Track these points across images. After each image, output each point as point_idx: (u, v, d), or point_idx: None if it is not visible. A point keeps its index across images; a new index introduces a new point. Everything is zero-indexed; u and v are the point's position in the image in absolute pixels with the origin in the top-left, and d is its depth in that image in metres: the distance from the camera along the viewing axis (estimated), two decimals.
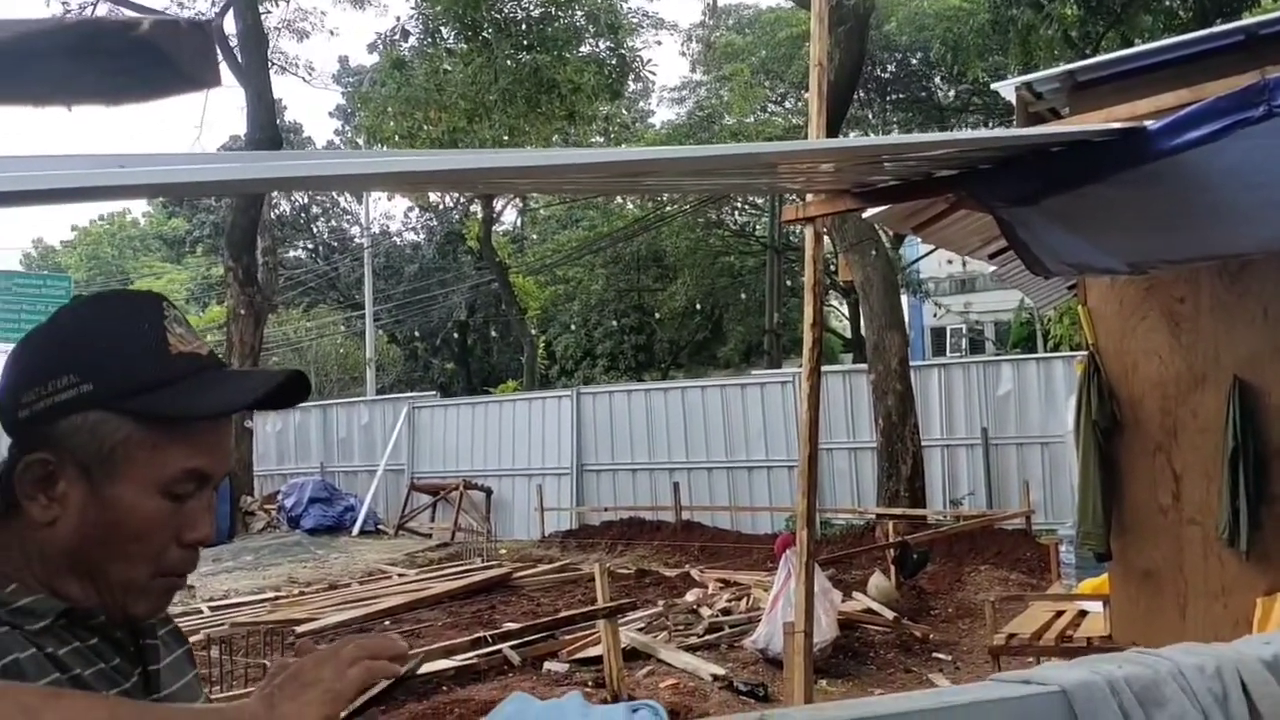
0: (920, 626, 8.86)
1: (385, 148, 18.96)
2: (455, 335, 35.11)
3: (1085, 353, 5.43)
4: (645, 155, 2.87)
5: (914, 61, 25.34)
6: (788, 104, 27.54)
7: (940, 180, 3.80)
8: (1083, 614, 5.99)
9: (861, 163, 3.80)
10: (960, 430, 14.51)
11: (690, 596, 10.36)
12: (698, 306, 29.11)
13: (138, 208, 45.98)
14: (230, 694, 6.02)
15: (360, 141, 24.77)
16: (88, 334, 1.14)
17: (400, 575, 13.02)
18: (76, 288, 21.54)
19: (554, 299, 31.70)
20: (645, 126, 30.64)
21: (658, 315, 29.96)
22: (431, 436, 19.83)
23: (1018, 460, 14.02)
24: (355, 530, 18.14)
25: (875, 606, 8.99)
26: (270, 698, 1.01)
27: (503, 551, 15.40)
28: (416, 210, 35.94)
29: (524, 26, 18.72)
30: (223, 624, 9.50)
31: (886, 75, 25.62)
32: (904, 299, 17.48)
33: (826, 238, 6.95)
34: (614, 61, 19.78)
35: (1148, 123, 3.22)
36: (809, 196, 4.62)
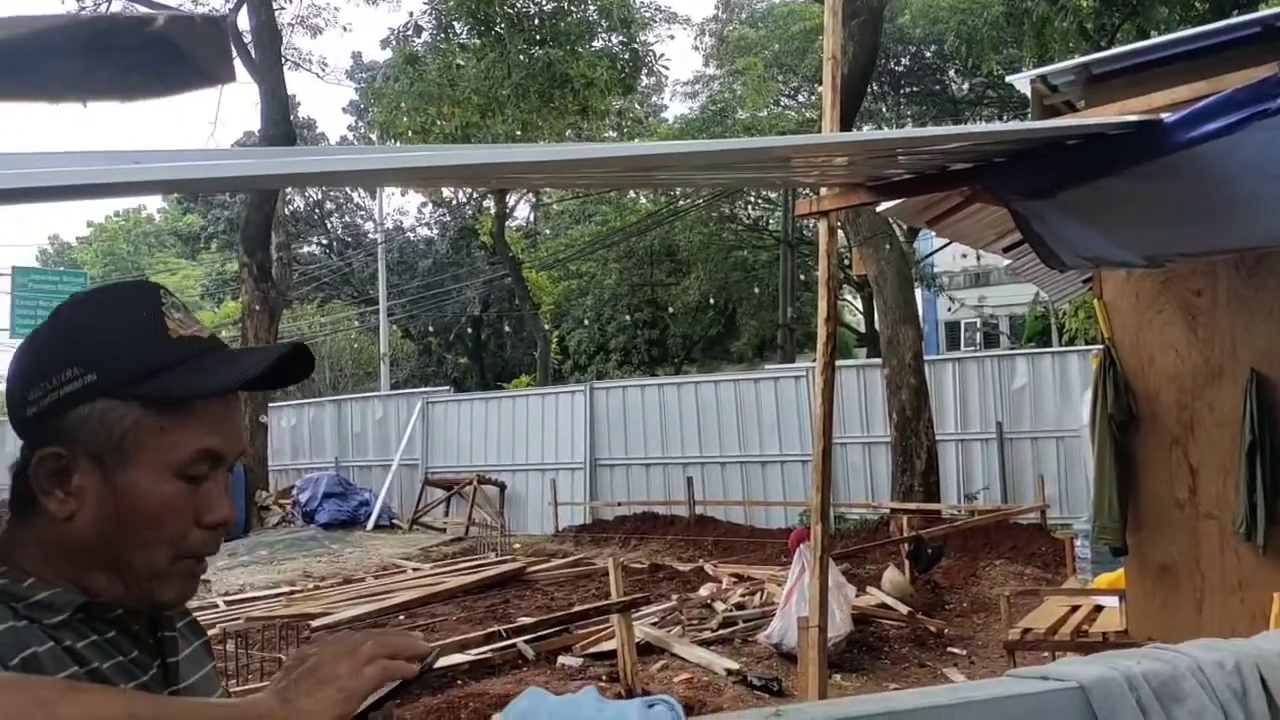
0: (935, 621, 8.84)
1: (398, 143, 18.99)
2: (469, 330, 35.16)
3: (1101, 346, 5.41)
4: (659, 150, 2.87)
5: (928, 54, 25.25)
6: (801, 98, 27.49)
7: (955, 174, 3.78)
8: (1098, 609, 5.97)
9: (875, 156, 3.79)
10: (975, 425, 14.46)
11: (704, 591, 10.36)
12: (711, 301, 29.07)
13: (153, 204, 46.17)
14: (246, 687, 6.04)
15: (373, 137, 24.83)
16: (88, 326, 1.14)
17: (414, 570, 13.05)
18: (92, 284, 21.65)
19: (567, 294, 31.70)
20: (658, 121, 30.60)
21: (671, 310, 29.93)
22: (445, 431, 19.87)
23: (1032, 455, 13.97)
24: (370, 525, 18.19)
25: (890, 601, 8.97)
26: (285, 692, 1.01)
27: (516, 546, 15.43)
28: (430, 206, 36.03)
29: (536, 21, 18.71)
30: (238, 618, 9.54)
31: (900, 68, 25.54)
32: (918, 293, 17.44)
33: (840, 232, 6.93)
34: (627, 56, 19.76)
35: (1164, 115, 3.19)
36: (823, 190, 4.61)
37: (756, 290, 29.01)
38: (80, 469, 1.11)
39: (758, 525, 15.22)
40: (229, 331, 29.35)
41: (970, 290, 31.42)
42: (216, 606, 10.76)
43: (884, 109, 26.26)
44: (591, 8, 19.27)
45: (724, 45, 27.61)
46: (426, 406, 20.12)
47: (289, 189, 26.51)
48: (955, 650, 8.25)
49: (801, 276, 27.24)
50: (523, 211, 36.16)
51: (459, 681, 7.35)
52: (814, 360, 16.55)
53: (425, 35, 20.07)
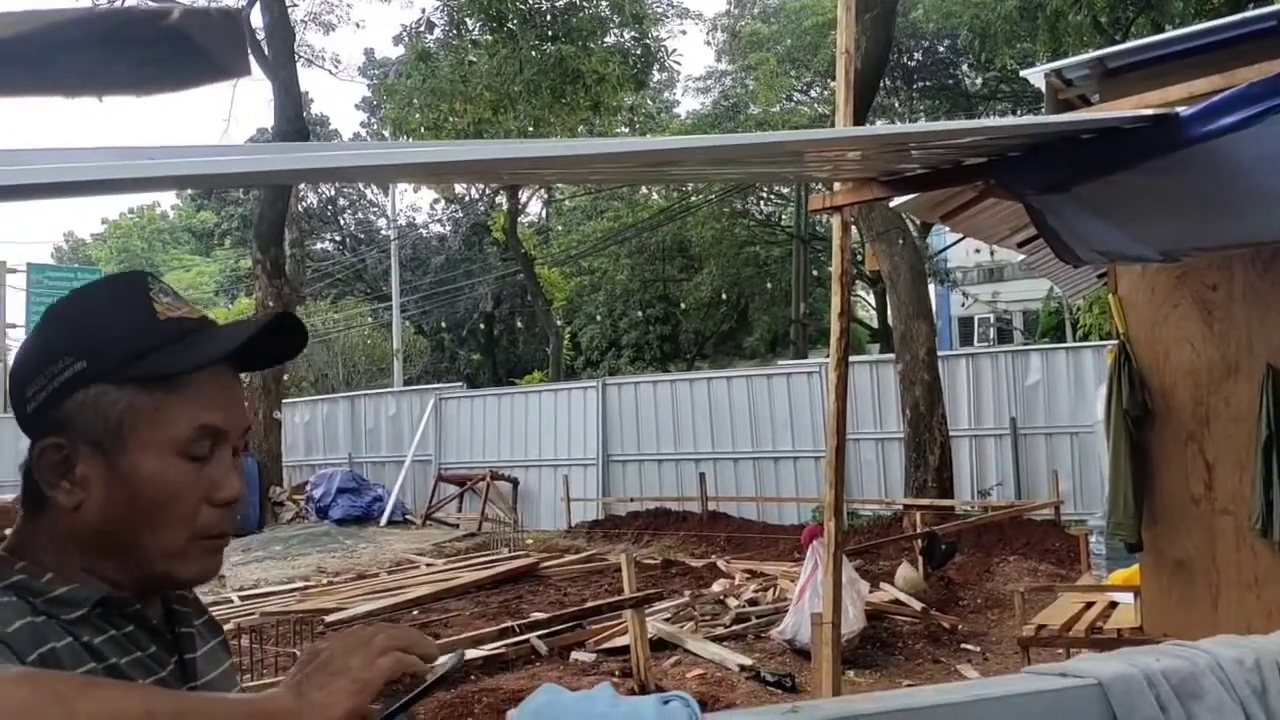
0: (948, 617, 8.82)
1: (411, 139, 19.02)
2: (481, 326, 35.21)
3: (1116, 341, 5.38)
4: (672, 144, 2.87)
5: (941, 49, 25.19)
6: (814, 93, 27.44)
7: (969, 168, 3.76)
8: (1113, 605, 5.95)
9: (889, 151, 3.78)
10: (988, 420, 14.42)
11: (717, 587, 10.36)
12: (723, 297, 29.05)
13: (167, 201, 46.38)
14: (260, 682, 6.07)
15: (386, 134, 24.85)
16: (78, 317, 1.16)
17: (428, 565, 13.08)
18: None
19: (579, 290, 31.72)
20: (670, 117, 30.59)
21: (683, 305, 29.91)
22: (458, 427, 19.90)
23: (1046, 450, 13.93)
24: (383, 520, 18.23)
25: (903, 597, 8.95)
26: (299, 686, 1.01)
27: (529, 541, 15.45)
28: (442, 202, 36.07)
29: (549, 17, 18.71)
30: (252, 613, 9.58)
31: (913, 63, 25.49)
32: (931, 288, 17.39)
33: (854, 227, 6.91)
34: (639, 52, 19.75)
35: (1180, 109, 3.18)
36: (836, 185, 4.60)
37: (769, 286, 28.98)
38: (82, 457, 1.12)
39: (770, 521, 15.20)
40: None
41: (984, 285, 31.32)
42: (231, 602, 10.80)
43: (896, 104, 26.20)
44: (604, 3, 19.28)
45: (736, 40, 27.58)
46: (439, 403, 20.15)
47: (302, 185, 26.59)
48: (969, 646, 8.23)
49: (814, 272, 27.20)
50: (535, 207, 36.23)
51: (472, 677, 7.37)
52: (826, 356, 16.53)
53: (437, 31, 20.11)
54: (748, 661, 7.51)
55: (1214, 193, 3.53)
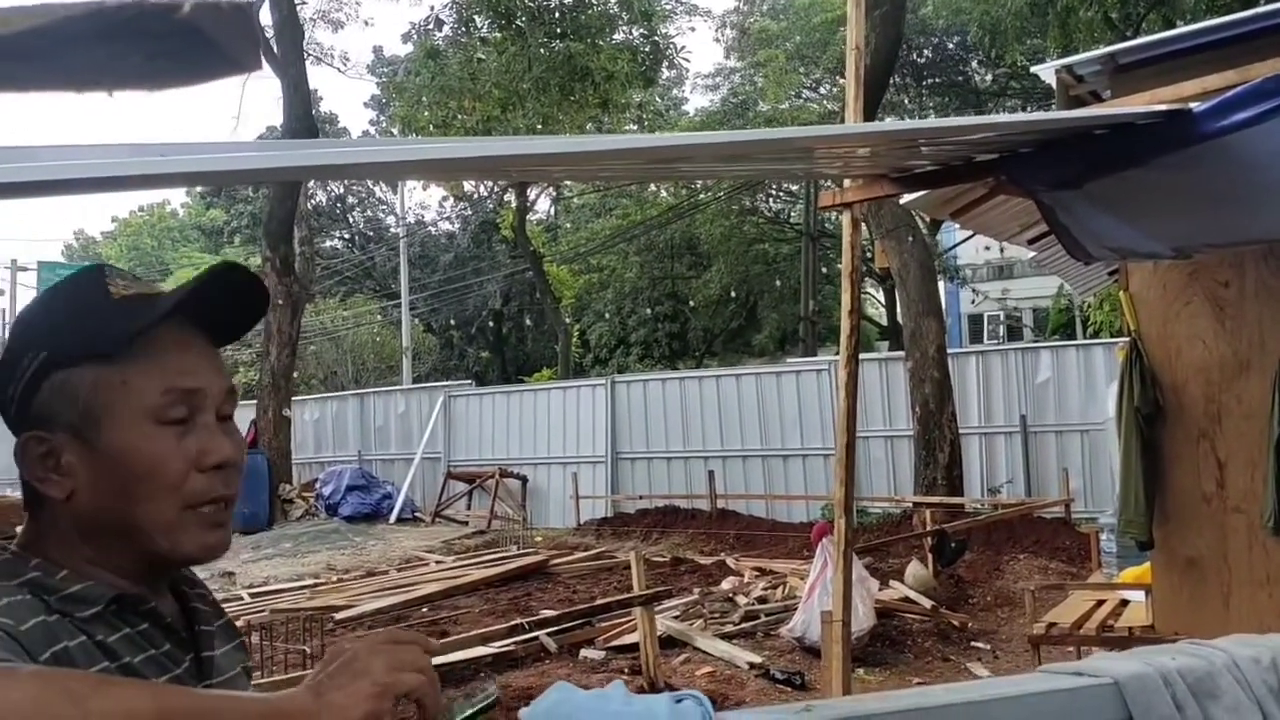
0: (958, 615, 8.80)
1: (420, 137, 19.02)
2: (490, 324, 35.24)
3: (1127, 339, 5.36)
4: (682, 140, 2.86)
5: (950, 45, 25.13)
6: (823, 90, 27.38)
7: (980, 164, 3.75)
8: (1124, 603, 5.92)
9: (899, 147, 3.76)
10: (998, 418, 14.39)
11: (726, 585, 10.36)
12: (732, 294, 29.02)
13: (176, 199, 46.46)
14: (271, 679, 6.08)
15: (395, 131, 24.87)
16: (38, 312, 1.18)
17: (437, 562, 13.10)
18: None
19: (588, 287, 31.72)
20: (679, 114, 30.58)
21: (692, 303, 29.89)
22: (467, 425, 19.92)
23: (1057, 448, 13.90)
24: (392, 518, 18.27)
25: (912, 595, 8.94)
26: (319, 685, 0.99)
27: (538, 539, 15.47)
28: (451, 200, 36.10)
29: (557, 14, 18.71)
30: (262, 610, 9.60)
31: (922, 60, 25.42)
32: (941, 285, 17.36)
33: (863, 224, 6.89)
34: (647, 49, 19.75)
35: (1193, 104, 3.16)
36: (846, 182, 4.58)
37: (778, 283, 28.94)
38: (65, 447, 1.12)
39: (779, 519, 15.18)
40: (253, 328, 29.49)
41: (994, 283, 31.25)
42: (241, 599, 10.83)
43: (906, 101, 26.13)
44: (612, 1, 19.25)
45: (745, 37, 27.55)
46: (448, 400, 20.18)
47: (312, 183, 26.64)
48: (979, 644, 8.22)
49: (823, 269, 27.16)
50: (543, 205, 36.25)
51: (481, 674, 7.37)
52: (835, 353, 16.50)
53: (446, 29, 20.12)
54: (757, 659, 7.50)
55: (1227, 189, 3.51)
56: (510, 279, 33.37)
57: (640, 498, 17.01)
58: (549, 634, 7.95)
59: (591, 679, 6.91)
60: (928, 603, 8.77)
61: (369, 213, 40.24)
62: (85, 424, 1.11)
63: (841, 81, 22.66)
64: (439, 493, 18.91)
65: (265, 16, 19.59)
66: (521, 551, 13.40)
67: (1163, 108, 3.23)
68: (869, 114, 10.64)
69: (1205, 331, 4.99)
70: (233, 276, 1.19)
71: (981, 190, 4.82)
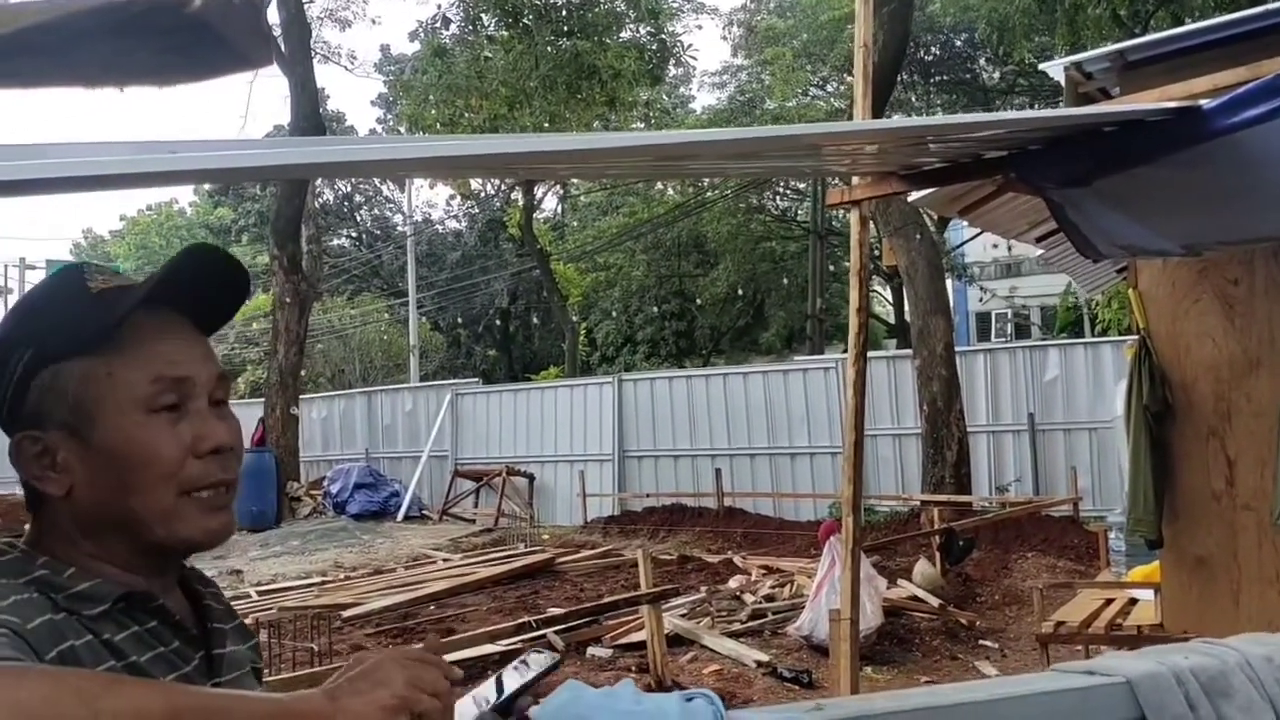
0: (966, 614, 8.79)
1: (427, 135, 19.03)
2: (497, 322, 35.26)
3: (1136, 336, 5.35)
4: (690, 138, 2.86)
5: (958, 43, 25.08)
6: (830, 88, 27.35)
7: (989, 162, 3.74)
8: (1133, 602, 5.91)
9: (907, 144, 3.75)
10: (1006, 416, 14.37)
11: (733, 583, 10.35)
12: (739, 292, 29.00)
13: (184, 197, 46.52)
14: (279, 677, 6.08)
15: (402, 130, 24.90)
16: (22, 312, 1.19)
17: (445, 560, 13.10)
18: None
19: (595, 285, 31.72)
20: (686, 112, 30.57)
21: (699, 301, 29.88)
22: (474, 423, 19.93)
23: (1065, 446, 13.87)
24: (400, 516, 18.28)
25: (920, 593, 8.92)
26: (335, 691, 0.99)
27: (545, 537, 15.46)
28: (458, 198, 36.13)
29: (564, 12, 18.72)
30: (270, 608, 9.61)
31: (930, 57, 25.37)
32: (949, 283, 17.33)
33: (871, 222, 6.87)
34: (654, 47, 19.75)
35: (1203, 101, 3.15)
36: (854, 180, 4.57)
37: (785, 281, 28.92)
38: (59, 444, 1.12)
39: (786, 517, 15.17)
40: (260, 324, 29.56)
41: (1001, 281, 31.20)
42: (249, 597, 10.84)
43: (913, 98, 26.09)
44: None
45: (752, 35, 27.52)
46: (455, 398, 20.19)
47: (319, 182, 26.66)
48: (987, 643, 8.20)
49: (831, 267, 27.12)
50: (550, 204, 36.25)
51: (488, 671, 7.37)
52: (843, 352, 16.46)
53: (453, 27, 20.14)
54: (765, 657, 7.49)
55: (1237, 186, 3.50)
56: (517, 277, 33.39)
57: (647, 496, 17.00)
58: (556, 632, 7.94)
59: (599, 677, 6.91)
60: (935, 601, 8.75)
61: (376, 211, 40.28)
62: (77, 419, 1.11)
63: (848, 79, 22.66)
64: (446, 491, 18.93)
65: (272, 15, 19.60)
66: (528, 549, 13.40)
67: (1173, 104, 3.22)
68: (877, 111, 10.63)
69: (1215, 329, 4.98)
70: (207, 257, 1.19)
71: (990, 188, 4.81)
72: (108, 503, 1.12)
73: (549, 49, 18.01)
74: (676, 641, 7.94)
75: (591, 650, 7.94)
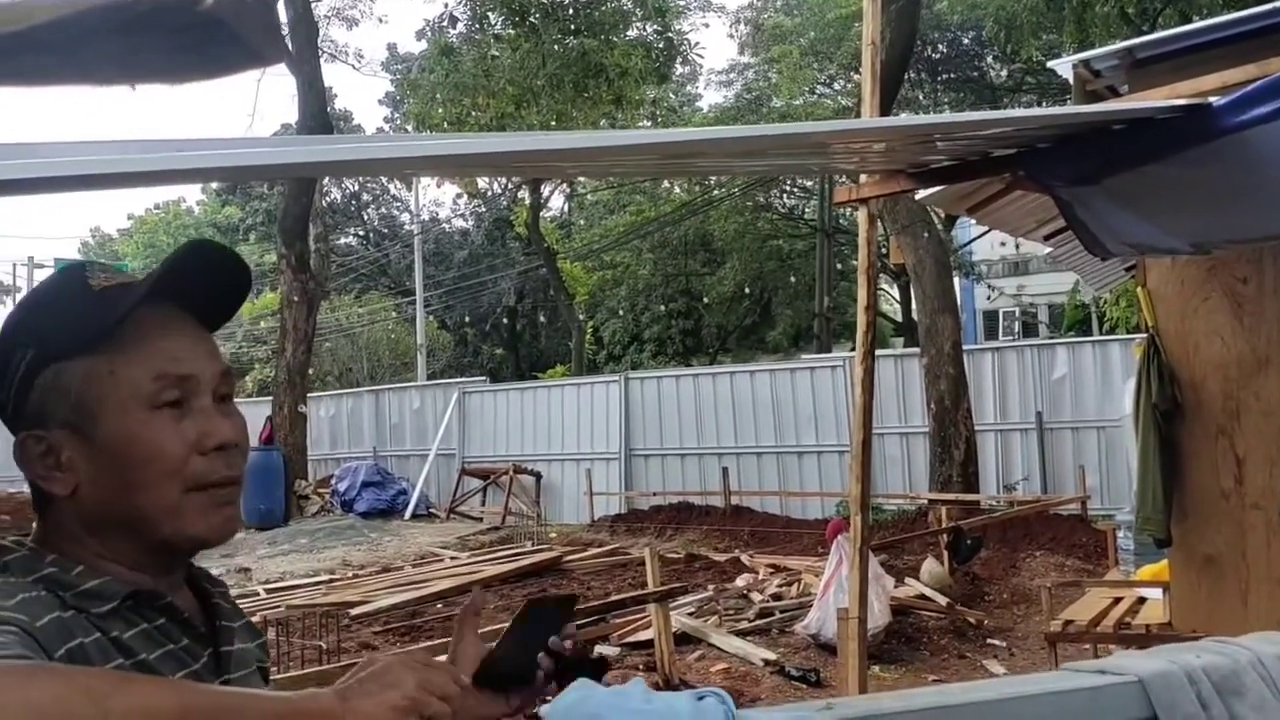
0: (974, 612, 8.78)
1: (434, 134, 19.03)
2: (504, 321, 35.28)
3: (1144, 335, 5.33)
4: (698, 136, 2.85)
5: (966, 41, 25.02)
6: (837, 86, 27.31)
7: (997, 160, 3.73)
8: (1141, 601, 5.90)
9: (915, 142, 3.75)
10: (1014, 415, 14.35)
11: (740, 581, 10.34)
12: (746, 291, 28.98)
13: (192, 196, 46.62)
14: (288, 675, 6.09)
15: (409, 128, 24.91)
16: (23, 311, 1.18)
17: (452, 558, 13.13)
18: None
19: (602, 284, 31.73)
20: (693, 110, 30.53)
21: (705, 300, 29.87)
22: (482, 421, 19.96)
23: (1073, 445, 13.84)
24: (407, 514, 18.32)
25: (928, 592, 8.92)
26: (346, 691, 0.99)
27: (553, 535, 15.47)
28: (465, 197, 36.15)
29: (571, 11, 18.72)
30: (278, 606, 9.62)
31: (937, 55, 25.32)
32: (956, 281, 17.29)
33: (878, 220, 6.86)
34: (661, 45, 19.74)
35: (1212, 99, 3.14)
36: (862, 178, 4.57)
37: (792, 279, 28.89)
38: (63, 443, 1.11)
39: (794, 516, 15.17)
40: (268, 322, 29.62)
41: (1009, 279, 31.12)
42: (258, 595, 10.86)
43: (921, 96, 26.04)
44: None
45: (759, 33, 27.49)
46: (463, 397, 20.21)
47: (326, 181, 26.70)
48: (995, 642, 8.19)
49: (838, 265, 27.10)
50: (557, 202, 36.28)
51: None
52: (850, 350, 16.43)
53: (460, 26, 20.14)
54: (772, 656, 7.49)
55: (1246, 184, 3.48)
56: (524, 276, 33.40)
57: (654, 494, 17.00)
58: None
59: (607, 675, 6.91)
60: (943, 600, 8.74)
61: (383, 210, 40.32)
62: (80, 418, 1.11)
63: (856, 78, 22.62)
64: (454, 489, 18.96)
65: (280, 14, 19.64)
66: (536, 548, 13.41)
67: (1182, 102, 3.21)
68: (885, 109, 10.60)
69: (1223, 328, 4.96)
70: (206, 252, 1.18)
71: (998, 186, 4.80)
72: (113, 501, 1.12)
73: (556, 47, 18.01)
74: (684, 640, 7.95)
75: (599, 648, 7.94)
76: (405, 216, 38.53)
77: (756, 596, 9.48)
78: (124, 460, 1.11)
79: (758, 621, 8.64)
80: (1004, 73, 25.88)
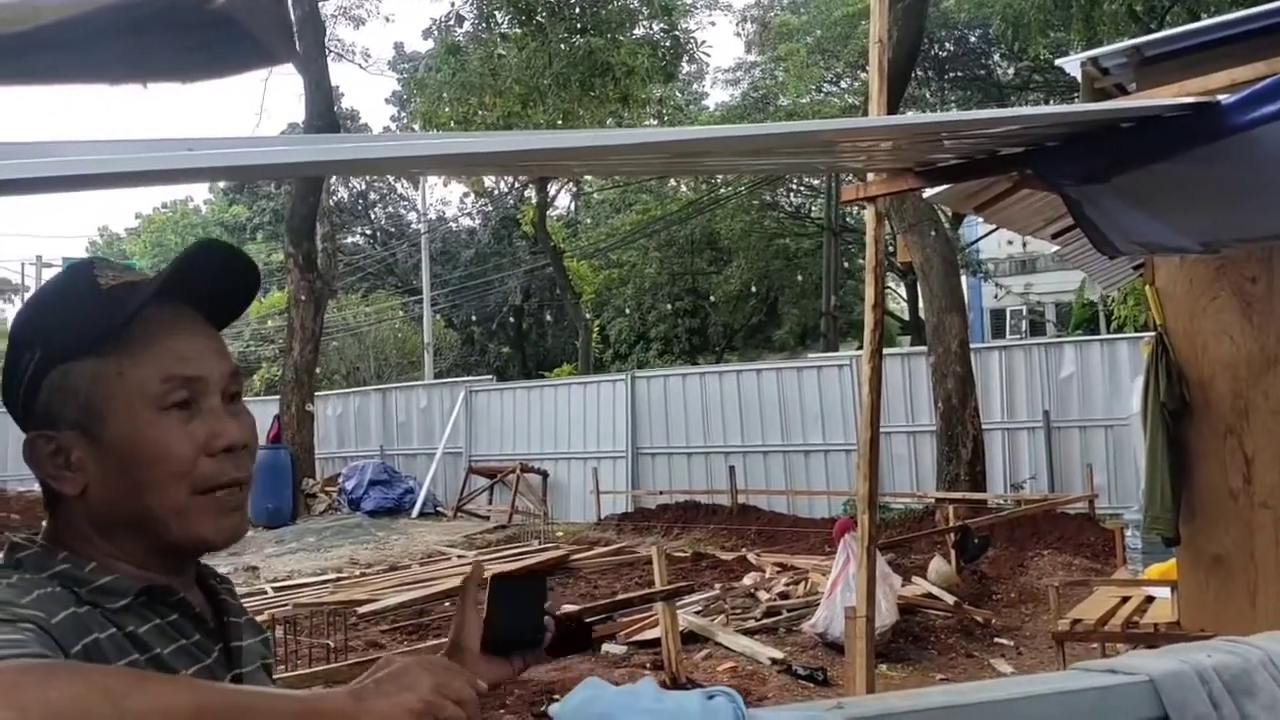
0: (982, 611, 8.77)
1: (441, 132, 19.05)
2: (511, 320, 35.30)
3: (1153, 334, 5.32)
4: (705, 134, 2.84)
5: (973, 39, 24.99)
6: (844, 84, 27.28)
7: (1005, 158, 3.72)
8: (1149, 600, 5.89)
9: (923, 140, 3.73)
10: (1021, 413, 14.32)
11: (747, 580, 10.34)
12: (753, 289, 28.96)
13: (199, 195, 46.71)
14: (296, 673, 6.11)
15: (416, 127, 24.94)
16: (33, 310, 1.18)
17: (459, 557, 13.13)
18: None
19: (608, 283, 31.72)
20: (699, 109, 30.52)
21: (712, 298, 29.86)
22: (488, 420, 19.97)
23: (1081, 443, 13.81)
24: (414, 512, 18.33)
25: (935, 591, 8.91)
26: (362, 691, 0.99)
27: (559, 534, 15.48)
28: (472, 196, 36.18)
29: (577, 9, 18.71)
30: (286, 605, 9.63)
31: (944, 53, 25.28)
32: (963, 280, 17.28)
33: (886, 218, 6.86)
34: (668, 43, 19.73)
35: (1221, 97, 3.13)
36: (869, 176, 4.56)
37: (799, 278, 28.87)
38: (72, 443, 1.11)
39: (801, 515, 15.16)
40: (275, 321, 29.65)
41: (1016, 277, 31.10)
42: (265, 593, 10.88)
43: (928, 94, 26.01)
44: None
45: (766, 32, 27.48)
46: (470, 395, 20.22)
47: (333, 180, 26.72)
48: (1002, 641, 8.18)
49: (845, 264, 27.06)
50: (564, 201, 36.27)
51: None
52: (857, 349, 16.39)
53: (467, 25, 20.15)
54: (779, 655, 7.49)
55: (1255, 182, 3.47)
56: (531, 275, 33.42)
57: (661, 493, 17.00)
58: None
59: (614, 674, 6.91)
60: (951, 599, 8.73)
61: (390, 209, 40.37)
62: (88, 419, 1.11)
63: (863, 76, 22.60)
64: (460, 487, 18.97)
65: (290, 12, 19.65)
66: (542, 546, 13.42)
67: (1191, 100, 3.19)
68: (892, 108, 10.59)
69: (1232, 327, 4.94)
70: (215, 252, 1.18)
71: (1006, 184, 4.79)
72: (121, 502, 1.12)
73: (562, 46, 18.01)
74: (691, 639, 7.94)
75: (606, 647, 7.94)
76: (412, 215, 38.57)
77: (763, 595, 9.48)
78: (132, 461, 1.11)
79: (765, 620, 8.64)
80: (1011, 71, 25.85)
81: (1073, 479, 13.49)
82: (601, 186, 32.94)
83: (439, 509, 18.91)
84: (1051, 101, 23.17)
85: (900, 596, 8.10)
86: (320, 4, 20.99)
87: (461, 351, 34.94)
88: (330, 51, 22.34)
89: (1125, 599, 6.01)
